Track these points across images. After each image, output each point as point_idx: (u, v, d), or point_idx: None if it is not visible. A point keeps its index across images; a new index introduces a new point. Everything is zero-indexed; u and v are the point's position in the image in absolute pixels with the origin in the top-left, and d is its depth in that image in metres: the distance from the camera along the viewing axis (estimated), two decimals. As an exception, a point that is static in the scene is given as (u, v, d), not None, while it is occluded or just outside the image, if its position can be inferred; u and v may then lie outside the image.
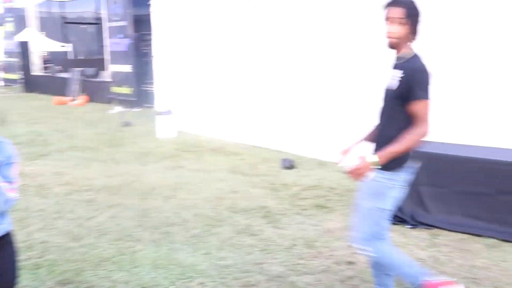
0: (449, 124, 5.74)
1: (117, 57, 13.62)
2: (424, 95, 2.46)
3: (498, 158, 4.10)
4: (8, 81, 20.21)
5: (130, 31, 12.89)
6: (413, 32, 2.50)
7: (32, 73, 18.58)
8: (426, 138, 2.49)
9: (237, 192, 5.56)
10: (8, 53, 20.18)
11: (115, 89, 13.78)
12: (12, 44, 19.36)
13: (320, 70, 7.03)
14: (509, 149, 4.59)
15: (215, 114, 8.93)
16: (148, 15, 10.81)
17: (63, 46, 23.57)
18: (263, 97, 7.92)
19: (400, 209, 4.42)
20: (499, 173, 4.02)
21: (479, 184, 4.10)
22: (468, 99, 5.64)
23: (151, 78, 11.56)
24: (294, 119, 7.44)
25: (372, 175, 2.51)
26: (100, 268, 3.64)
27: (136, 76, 13.04)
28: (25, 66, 18.34)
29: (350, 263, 3.67)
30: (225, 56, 8.54)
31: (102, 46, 22.04)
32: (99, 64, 17.43)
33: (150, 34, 11.28)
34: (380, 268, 2.84)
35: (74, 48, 25.18)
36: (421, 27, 2.51)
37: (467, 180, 4.16)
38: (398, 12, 2.43)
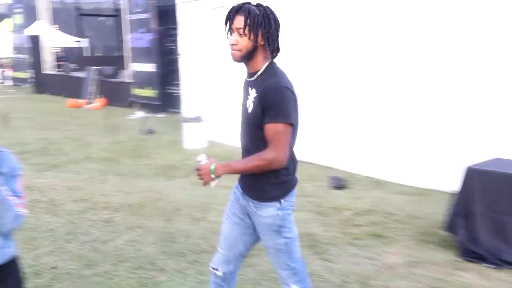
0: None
1: (139, 55, 13.89)
2: (278, 118, 2.42)
3: None
4: (17, 81, 20.89)
5: (153, 24, 13.13)
6: (263, 44, 2.47)
7: (43, 72, 19.11)
8: (278, 167, 2.49)
9: (278, 215, 5.50)
10: (18, 49, 20.88)
11: (137, 91, 14.03)
12: (22, 38, 20.01)
13: (375, 76, 6.92)
14: None
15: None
16: (174, 7, 10.95)
17: (77, 41, 24.28)
18: (308, 103, 7.84)
19: (476, 242, 4.27)
20: None
21: None
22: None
23: (178, 79, 11.71)
24: (346, 130, 7.34)
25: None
26: (118, 301, 3.66)
27: (161, 77, 13.23)
28: (36, 64, 18.93)
29: (415, 307, 3.55)
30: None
31: (121, 41, 22.60)
32: (118, 62, 17.82)
33: (176, 29, 11.44)
34: None
35: (91, 43, 25.90)
36: (279, 37, 2.51)
37: None
38: (238, 21, 2.44)
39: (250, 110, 2.52)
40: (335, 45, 7.39)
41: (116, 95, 15.31)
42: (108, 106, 15.05)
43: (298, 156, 2.63)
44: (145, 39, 13.58)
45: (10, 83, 21.71)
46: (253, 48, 2.46)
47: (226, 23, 2.50)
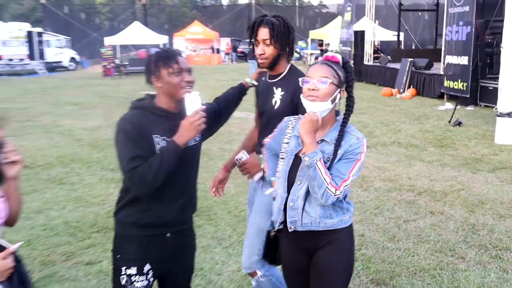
0: None
1: (454, 47, 13.19)
2: None
3: None
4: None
5: (473, 17, 12.25)
6: (285, 50, 2.59)
7: (364, 63, 19.99)
8: None
9: None
10: (343, 42, 22.30)
11: (447, 83, 13.43)
12: (348, 33, 21.27)
13: None
14: None
15: None
16: (498, -2, 10.01)
17: (395, 35, 24.56)
18: None
19: None
20: None
21: None
22: None
23: (494, 72, 10.74)
24: None
25: (258, 176, 2.67)
26: (416, 278, 3.65)
27: (474, 70, 12.35)
28: (357, 56, 19.88)
29: None
30: None
31: (436, 35, 21.87)
32: (432, 55, 17.34)
33: (497, 21, 10.45)
34: None
35: (406, 37, 25.85)
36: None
37: None
38: (264, 33, 2.52)
39: (277, 106, 2.62)
40: None
41: (426, 86, 14.94)
42: (418, 96, 14.83)
43: None
44: (462, 32, 12.81)
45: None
46: (277, 55, 2.58)
47: (250, 35, 2.59)
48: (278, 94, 2.64)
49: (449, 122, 10.06)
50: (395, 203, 5.30)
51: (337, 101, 2.18)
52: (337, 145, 2.12)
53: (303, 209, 2.17)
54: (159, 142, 2.17)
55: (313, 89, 2.10)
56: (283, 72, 2.66)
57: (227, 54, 35.54)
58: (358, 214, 4.93)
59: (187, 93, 2.18)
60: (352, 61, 20.39)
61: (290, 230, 2.21)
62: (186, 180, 2.33)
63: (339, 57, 2.19)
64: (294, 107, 2.57)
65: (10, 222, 2.01)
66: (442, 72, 14.03)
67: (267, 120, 2.69)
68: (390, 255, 4.02)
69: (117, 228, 2.33)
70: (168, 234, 2.30)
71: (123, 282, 2.26)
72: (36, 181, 6.20)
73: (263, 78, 2.75)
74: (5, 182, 1.94)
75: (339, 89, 2.15)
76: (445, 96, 13.62)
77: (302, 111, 2.47)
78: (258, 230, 2.67)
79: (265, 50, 2.55)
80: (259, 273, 2.72)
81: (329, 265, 2.19)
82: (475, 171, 6.60)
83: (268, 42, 2.53)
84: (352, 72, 2.24)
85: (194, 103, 2.15)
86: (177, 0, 51.26)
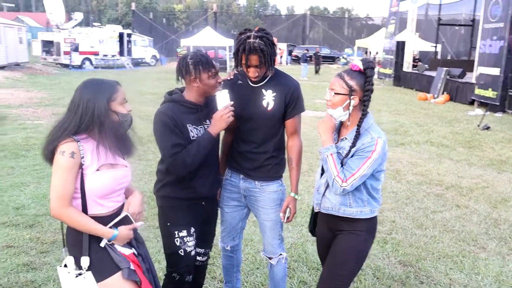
0: None
1: (487, 59, 12.53)
2: (303, 108, 2.44)
3: None
4: (381, 75, 21.81)
5: (507, 33, 11.56)
6: (270, 64, 2.31)
7: (403, 70, 19.37)
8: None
9: None
10: (386, 51, 21.68)
11: (478, 91, 12.79)
12: (391, 43, 20.65)
13: None
14: None
15: None
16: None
17: (433, 46, 23.57)
18: None
19: None
20: None
21: None
22: None
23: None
24: None
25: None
26: (440, 262, 3.53)
27: (505, 80, 11.68)
28: (398, 63, 19.29)
29: None
30: None
31: (471, 47, 20.82)
32: (465, 65, 16.55)
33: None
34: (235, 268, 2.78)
35: (443, 48, 24.74)
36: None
37: None
38: (255, 60, 2.25)
39: (270, 107, 2.35)
40: None
41: (459, 93, 14.29)
42: (450, 102, 14.21)
43: None
44: (495, 45, 12.14)
45: (376, 76, 22.68)
46: (264, 71, 2.32)
47: (239, 61, 2.28)
48: (269, 96, 2.37)
49: (478, 126, 9.58)
50: (424, 195, 5.14)
51: (351, 106, 2.06)
52: (352, 143, 2.06)
53: (323, 194, 2.19)
54: (192, 130, 2.25)
55: (326, 100, 2.14)
56: (267, 76, 2.38)
57: (280, 57, 35.49)
58: (391, 202, 4.82)
59: (218, 91, 2.28)
60: (393, 68, 19.83)
61: (315, 211, 2.28)
62: (213, 159, 2.41)
63: (359, 65, 2.06)
64: (285, 105, 2.38)
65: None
66: (474, 81, 13.40)
67: (261, 123, 2.39)
68: (418, 241, 3.91)
69: (161, 202, 2.39)
70: (203, 203, 2.40)
71: (178, 243, 2.35)
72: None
73: (239, 82, 2.41)
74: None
75: (351, 96, 2.04)
76: (475, 102, 13.01)
77: (292, 108, 2.41)
78: (276, 222, 2.53)
79: (257, 71, 2.30)
80: (284, 254, 2.59)
81: (343, 250, 2.13)
82: (500, 172, 6.28)
83: (259, 66, 2.28)
84: (371, 77, 2.04)
85: (224, 99, 2.26)
86: (243, 9, 51.37)
